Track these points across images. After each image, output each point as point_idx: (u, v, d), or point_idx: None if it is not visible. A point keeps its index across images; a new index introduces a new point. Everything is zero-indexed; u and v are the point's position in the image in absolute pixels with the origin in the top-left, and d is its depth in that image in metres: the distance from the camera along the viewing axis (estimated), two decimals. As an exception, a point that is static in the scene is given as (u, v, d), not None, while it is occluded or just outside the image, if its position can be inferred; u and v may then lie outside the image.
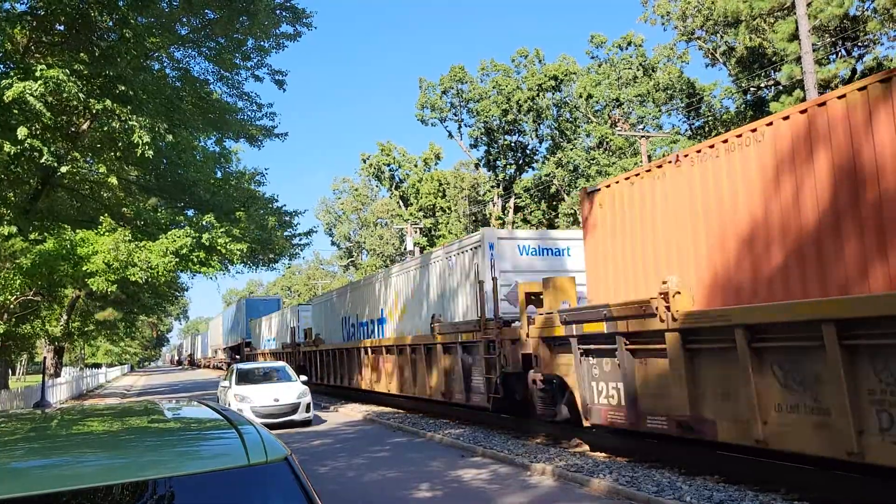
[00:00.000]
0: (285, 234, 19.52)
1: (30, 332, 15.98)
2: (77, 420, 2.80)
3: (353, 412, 17.34)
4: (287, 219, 19.72)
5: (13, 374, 64.98)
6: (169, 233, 14.65)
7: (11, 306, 14.46)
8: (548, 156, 49.58)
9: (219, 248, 14.72)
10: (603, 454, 9.47)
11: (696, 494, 6.84)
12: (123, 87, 13.56)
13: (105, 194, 18.66)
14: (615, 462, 8.89)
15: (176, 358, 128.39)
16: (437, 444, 11.67)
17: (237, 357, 43.18)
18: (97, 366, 59.61)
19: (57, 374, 33.36)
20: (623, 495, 7.17)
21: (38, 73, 12.35)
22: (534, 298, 10.75)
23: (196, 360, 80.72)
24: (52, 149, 13.35)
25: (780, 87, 33.05)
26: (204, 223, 14.87)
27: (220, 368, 60.16)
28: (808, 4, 26.14)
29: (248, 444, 2.10)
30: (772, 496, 6.59)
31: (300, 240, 20.78)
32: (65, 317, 29.43)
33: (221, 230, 14.93)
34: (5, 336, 15.00)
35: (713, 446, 7.69)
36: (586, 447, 10.07)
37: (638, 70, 46.08)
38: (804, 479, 6.72)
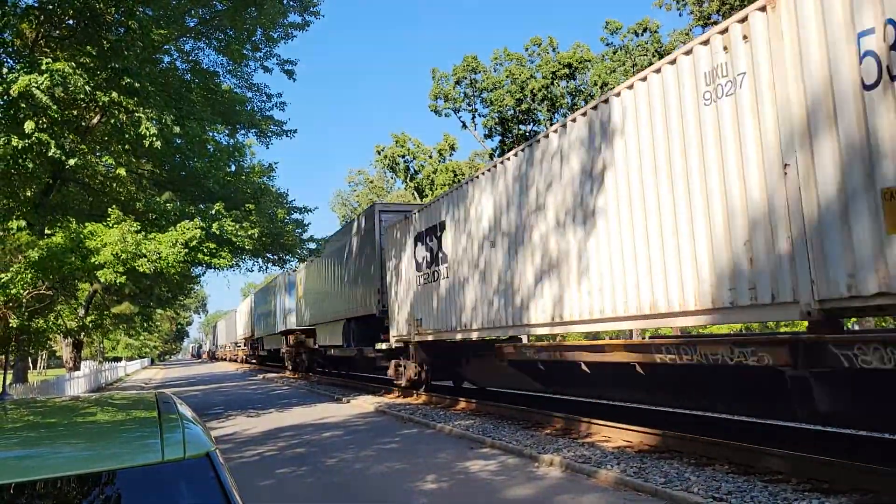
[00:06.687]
0: (296, 231, 19.32)
1: (43, 326, 16.02)
2: (11, 414, 2.69)
3: (365, 404, 17.30)
4: (298, 216, 19.51)
5: (34, 367, 65.96)
6: (178, 224, 14.62)
7: (24, 301, 14.51)
8: (563, 145, 49.13)
9: (229, 235, 14.67)
10: (612, 445, 9.32)
11: (703, 485, 6.67)
12: (129, 79, 13.53)
13: (118, 188, 18.70)
14: (624, 452, 8.73)
15: (196, 352, 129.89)
16: (446, 436, 11.57)
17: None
18: (117, 359, 60.14)
19: (76, 368, 33.75)
20: (630, 486, 7.02)
21: (43, 67, 12.36)
22: None
23: (214, 354, 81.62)
24: (59, 142, 13.36)
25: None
26: (213, 212, 14.84)
27: (235, 361, 60.65)
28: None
29: (166, 441, 2.02)
30: (782, 486, 6.41)
31: (317, 245, 20.47)
32: (81, 311, 29.71)
33: (230, 219, 14.89)
34: (19, 330, 15.08)
35: (725, 436, 7.60)
36: (595, 438, 9.93)
37: (654, 56, 45.51)
38: (814, 471, 6.54)
